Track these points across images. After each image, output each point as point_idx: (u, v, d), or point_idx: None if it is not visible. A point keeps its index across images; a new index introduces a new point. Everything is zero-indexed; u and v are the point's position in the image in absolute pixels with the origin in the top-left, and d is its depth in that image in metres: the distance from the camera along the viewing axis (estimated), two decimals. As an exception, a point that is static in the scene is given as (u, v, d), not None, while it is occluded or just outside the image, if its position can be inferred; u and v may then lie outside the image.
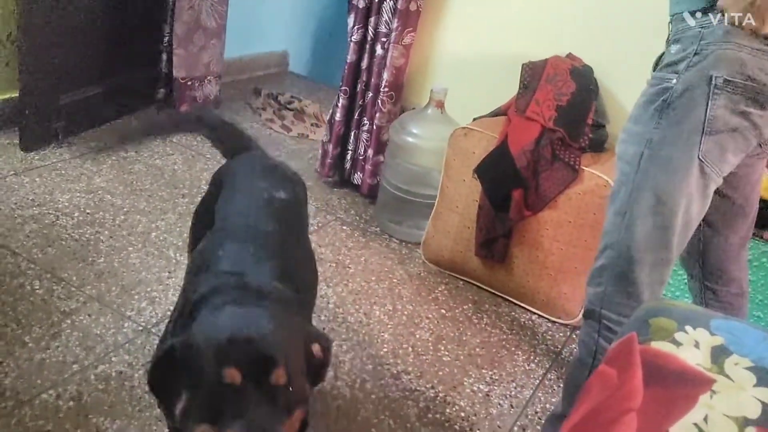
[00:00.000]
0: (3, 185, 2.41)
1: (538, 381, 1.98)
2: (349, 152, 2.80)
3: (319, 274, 2.26)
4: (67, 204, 2.38)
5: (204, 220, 1.47)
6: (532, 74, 2.22)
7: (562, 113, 2.13)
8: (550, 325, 2.25)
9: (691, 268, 1.71)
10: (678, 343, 0.98)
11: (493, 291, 2.33)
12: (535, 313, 2.27)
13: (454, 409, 1.80)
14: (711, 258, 1.65)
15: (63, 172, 2.58)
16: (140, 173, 2.68)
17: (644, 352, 0.96)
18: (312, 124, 3.54)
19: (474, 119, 2.42)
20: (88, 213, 2.36)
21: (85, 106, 2.85)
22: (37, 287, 1.95)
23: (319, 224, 2.59)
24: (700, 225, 1.49)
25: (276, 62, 4.27)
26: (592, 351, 1.45)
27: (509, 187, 2.14)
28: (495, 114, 2.38)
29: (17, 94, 2.60)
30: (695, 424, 0.85)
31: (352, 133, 2.76)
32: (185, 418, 0.97)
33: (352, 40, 2.63)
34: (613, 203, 1.44)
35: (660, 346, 0.97)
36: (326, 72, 3.98)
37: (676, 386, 0.90)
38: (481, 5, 2.60)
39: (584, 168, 2.10)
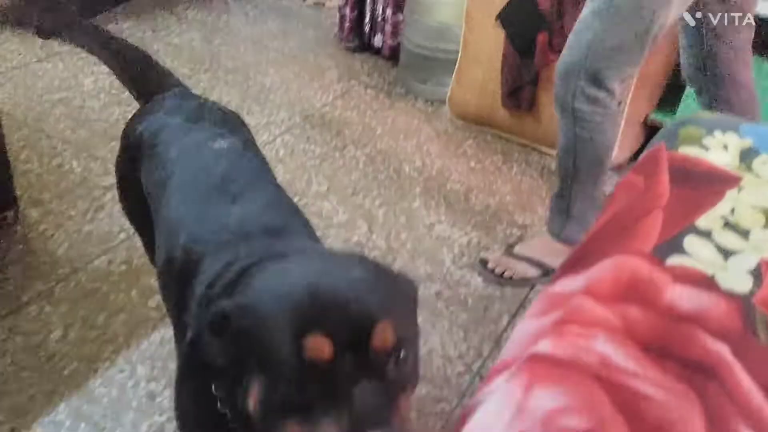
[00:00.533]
0: (29, 72, 2.43)
1: (569, 222, 2.00)
2: (368, 14, 2.73)
3: (345, 136, 2.30)
4: (92, 86, 2.40)
5: (138, 214, 1.16)
6: None
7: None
8: (580, 169, 2.24)
9: (699, 82, 1.68)
10: (706, 147, 0.98)
11: (521, 141, 2.32)
12: (564, 160, 2.27)
13: (488, 252, 1.84)
14: (718, 64, 1.62)
15: (84, 55, 2.56)
16: (159, 52, 2.67)
17: (672, 158, 0.97)
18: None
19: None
20: (113, 94, 2.37)
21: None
22: (75, 166, 2.01)
23: (343, 90, 2.58)
24: (702, 33, 1.50)
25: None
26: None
27: (533, 31, 2.08)
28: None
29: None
30: (722, 216, 0.87)
31: (369, -7, 2.68)
32: (266, 412, 0.67)
33: None
34: (592, 1, 1.45)
35: (688, 151, 0.97)
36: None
37: (704, 185, 0.91)
38: None
39: (611, 4, 2.02)
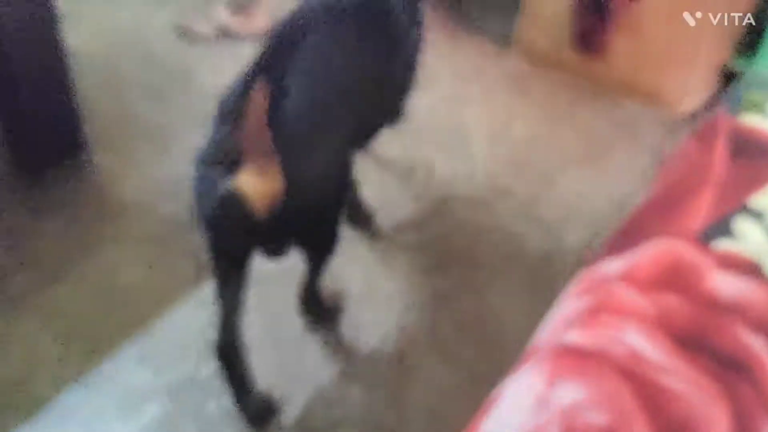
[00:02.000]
0: (101, 12, 2.47)
1: (637, 177, 1.93)
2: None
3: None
4: (162, 25, 2.42)
5: None
6: None
7: None
8: (651, 119, 2.14)
9: None
10: (769, 117, 0.92)
11: (590, 86, 2.22)
12: (635, 107, 2.17)
13: (549, 205, 1.81)
14: None
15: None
16: None
17: (731, 126, 0.91)
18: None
19: None
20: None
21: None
22: (145, 109, 2.06)
23: (409, 29, 2.51)
24: None
25: None
26: None
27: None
28: None
29: None
30: (778, 198, 0.82)
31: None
32: None
33: None
34: None
35: (750, 119, 0.91)
36: None
37: (762, 159, 0.86)
38: None
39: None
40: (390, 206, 1.79)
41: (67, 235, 1.65)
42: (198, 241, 1.62)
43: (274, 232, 1.10)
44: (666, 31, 1.99)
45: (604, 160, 1.98)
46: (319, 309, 1.45)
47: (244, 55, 2.28)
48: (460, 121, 2.10)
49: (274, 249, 1.16)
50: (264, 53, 1.16)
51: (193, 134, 1.94)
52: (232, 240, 1.12)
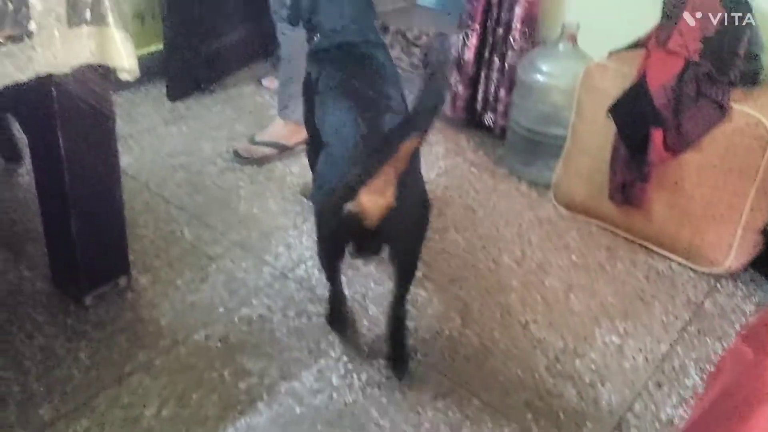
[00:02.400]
0: (156, 135, 2.59)
1: (676, 335, 1.90)
2: (480, 92, 2.73)
3: (447, 218, 2.29)
4: (210, 152, 2.53)
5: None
6: (676, 2, 2.04)
7: (709, 45, 1.95)
8: (691, 274, 2.13)
9: None
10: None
11: (628, 237, 2.23)
12: (674, 262, 2.16)
13: (584, 361, 1.78)
14: None
15: (206, 120, 2.73)
16: (276, 119, 2.77)
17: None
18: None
19: (609, 53, 2.27)
20: (229, 160, 2.49)
21: (225, 53, 2.98)
22: (187, 233, 2.11)
23: (448, 167, 2.58)
24: None
25: (405, -4, 4.19)
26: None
27: (647, 127, 2.01)
28: (633, 47, 2.22)
29: (162, 47, 2.76)
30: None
31: (483, 73, 2.69)
32: None
33: (481, -26, 2.52)
34: None
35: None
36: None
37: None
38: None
39: (734, 105, 1.92)
40: (420, 353, 1.77)
41: (100, 361, 1.65)
42: (223, 378, 1.62)
43: (379, 236, 1.50)
44: (706, 188, 2.01)
45: (642, 315, 1.95)
46: (403, 341, 1.71)
47: (286, 183, 2.38)
48: (495, 263, 2.10)
49: (374, 249, 1.58)
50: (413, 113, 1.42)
51: (231, 262, 2.00)
52: (348, 239, 1.56)
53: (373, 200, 1.41)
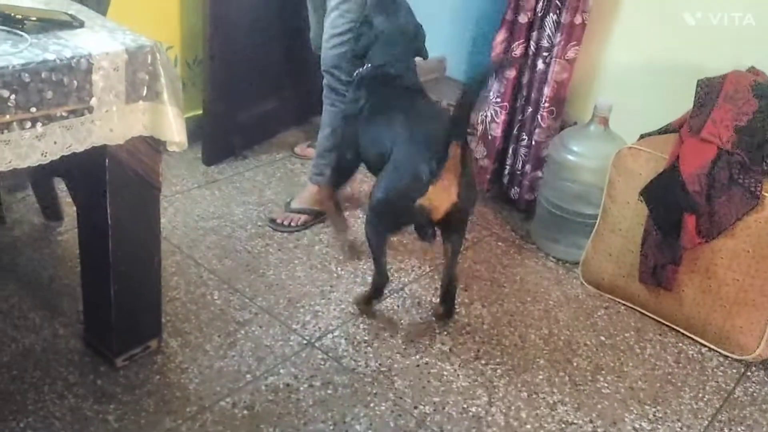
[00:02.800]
0: (189, 197, 2.65)
1: (707, 422, 1.87)
2: (507, 167, 2.78)
3: (473, 292, 2.29)
4: (241, 216, 2.57)
5: None
6: (709, 91, 2.08)
7: (742, 134, 1.98)
8: (721, 360, 2.11)
9: None
10: None
11: (658, 319, 2.22)
12: (705, 346, 2.14)
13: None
14: None
15: (238, 185, 2.79)
16: (306, 186, 2.82)
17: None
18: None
19: (641, 136, 2.31)
20: (259, 225, 2.53)
21: (259, 121, 3.06)
22: (216, 297, 2.13)
23: (475, 239, 2.60)
24: None
25: (434, 68, 4.31)
26: None
27: (680, 212, 2.03)
28: (664, 131, 2.26)
29: (201, 113, 2.84)
30: None
31: (511, 148, 2.74)
32: None
33: (513, 54, 2.60)
34: None
35: None
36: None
37: None
38: (651, 15, 2.47)
39: (766, 194, 1.94)
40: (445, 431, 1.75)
41: (128, 425, 1.65)
42: None
43: (442, 224, 1.91)
44: (738, 274, 2.01)
45: (672, 401, 1.92)
46: (453, 296, 2.14)
47: (314, 251, 2.41)
48: (522, 340, 2.10)
49: (433, 233, 1.99)
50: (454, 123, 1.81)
51: (259, 328, 2.01)
52: (415, 220, 1.97)
53: (442, 198, 1.81)
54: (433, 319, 2.15)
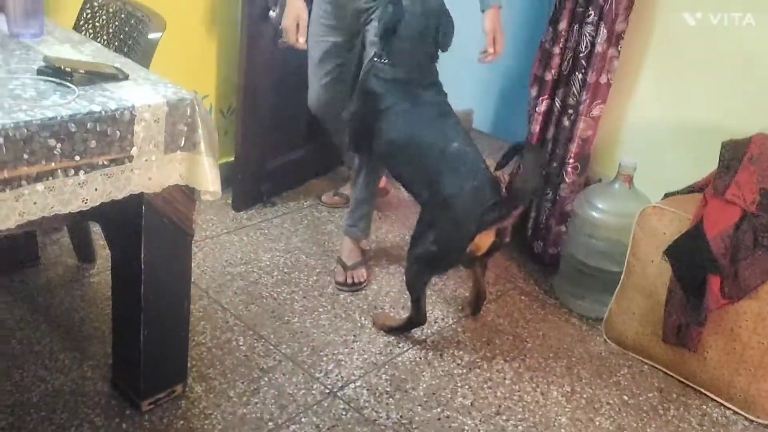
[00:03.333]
0: (218, 243, 2.70)
1: (731, 488, 1.83)
2: (531, 220, 2.80)
3: (495, 346, 2.30)
4: (268, 263, 2.61)
5: None
6: (734, 153, 2.10)
7: (766, 197, 1.99)
8: (746, 424, 2.07)
9: None
10: None
11: (682, 380, 2.20)
12: (729, 409, 2.11)
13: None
14: None
15: (266, 231, 2.84)
16: (332, 234, 2.87)
17: None
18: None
19: (665, 195, 2.33)
20: (285, 272, 2.57)
21: (288, 169, 3.13)
22: (241, 343, 2.16)
23: (498, 293, 2.61)
24: None
25: (461, 120, 4.36)
26: None
27: (704, 272, 2.03)
28: (689, 191, 2.28)
29: (232, 159, 2.92)
30: None
31: (535, 202, 2.77)
32: None
33: (537, 111, 2.65)
34: None
35: None
36: (509, 127, 4.01)
37: None
38: (677, 75, 2.51)
39: (792, 257, 1.94)
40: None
41: (149, 470, 1.67)
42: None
43: (480, 258, 2.19)
44: (763, 337, 1.99)
45: (696, 465, 1.89)
46: (481, 304, 2.44)
47: (338, 301, 2.43)
48: (543, 396, 2.09)
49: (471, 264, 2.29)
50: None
51: (282, 375, 2.03)
52: (461, 261, 2.21)
53: (486, 240, 2.07)
54: (456, 372, 2.16)
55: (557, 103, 2.62)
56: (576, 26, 2.50)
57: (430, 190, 2.09)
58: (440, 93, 2.27)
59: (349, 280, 2.54)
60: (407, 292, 2.24)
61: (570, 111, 2.58)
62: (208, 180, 1.55)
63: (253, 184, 2.96)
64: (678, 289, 2.09)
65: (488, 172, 2.09)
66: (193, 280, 2.40)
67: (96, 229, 2.35)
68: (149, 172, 1.48)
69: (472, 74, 4.18)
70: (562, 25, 2.52)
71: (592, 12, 2.43)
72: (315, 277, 2.57)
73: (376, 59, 2.23)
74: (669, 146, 2.57)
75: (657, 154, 2.57)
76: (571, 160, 2.60)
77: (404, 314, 2.33)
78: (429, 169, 2.10)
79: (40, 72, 1.47)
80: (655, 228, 2.17)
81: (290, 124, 3.06)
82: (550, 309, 2.55)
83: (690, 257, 2.05)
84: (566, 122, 2.60)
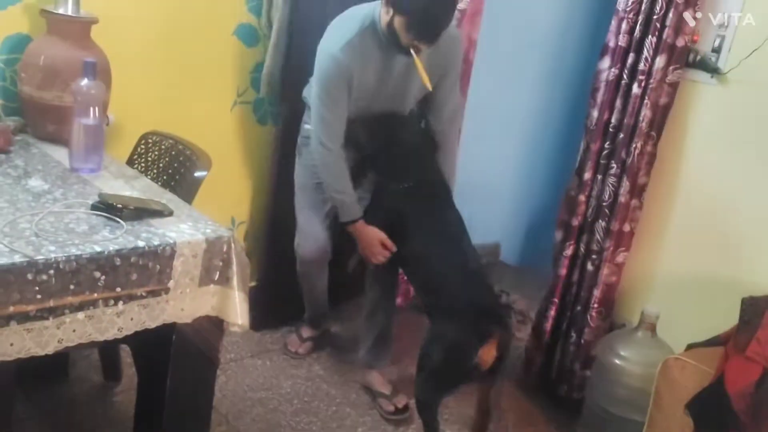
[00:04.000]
0: (241, 366, 2.74)
1: None
2: (555, 363, 2.79)
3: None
4: (289, 390, 2.63)
5: None
6: (754, 311, 2.11)
7: (789, 356, 1.98)
8: None
9: None
10: None
11: None
12: None
13: None
14: None
15: (289, 356, 2.87)
16: (354, 364, 2.88)
17: None
18: (518, 321, 3.59)
19: (688, 346, 2.32)
20: (305, 401, 2.58)
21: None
22: (257, 476, 2.15)
23: (519, 436, 2.57)
24: None
25: (488, 253, 4.45)
26: None
27: (726, 428, 1.99)
28: (712, 343, 2.27)
29: (255, 284, 2.98)
30: None
31: (559, 345, 2.77)
32: None
33: (563, 254, 2.71)
34: None
35: None
36: (536, 258, 4.05)
37: None
38: (703, 227, 2.57)
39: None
40: None
41: None
42: None
43: (488, 373, 2.23)
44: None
45: None
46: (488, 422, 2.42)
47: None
48: None
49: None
50: None
51: None
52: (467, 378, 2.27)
53: (490, 355, 2.16)
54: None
55: (582, 248, 2.68)
56: (600, 177, 2.60)
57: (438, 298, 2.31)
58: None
59: (399, 406, 2.56)
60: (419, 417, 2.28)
61: (594, 256, 2.64)
62: (238, 313, 1.63)
63: (277, 306, 3.01)
64: (701, 445, 2.05)
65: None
66: (213, 404, 2.44)
67: (124, 348, 2.42)
68: (183, 303, 1.56)
69: (499, 208, 4.30)
70: (587, 175, 2.63)
71: (615, 165, 2.54)
72: (334, 408, 2.57)
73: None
74: (693, 296, 2.59)
75: (681, 303, 2.58)
76: (596, 305, 2.63)
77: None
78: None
79: (94, 207, 1.60)
80: (676, 380, 2.16)
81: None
82: (570, 456, 2.49)
83: (712, 413, 2.02)
84: (590, 267, 2.65)
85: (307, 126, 2.49)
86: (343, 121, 2.31)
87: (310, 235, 2.58)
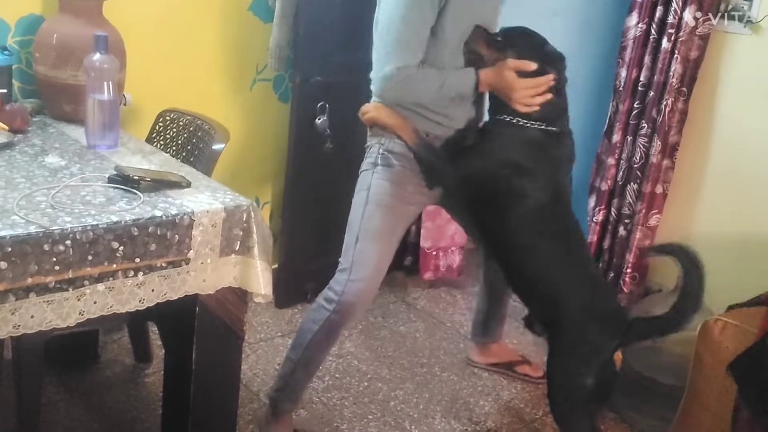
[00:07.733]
0: (271, 345, 2.72)
1: None
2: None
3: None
4: (320, 367, 2.60)
5: None
6: (797, 266, 2.03)
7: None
8: None
9: None
10: None
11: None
12: None
13: None
14: None
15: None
16: (385, 339, 2.86)
17: None
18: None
19: (729, 307, 2.24)
20: (336, 377, 2.55)
21: (330, 270, 3.14)
22: (290, 449, 2.13)
23: (555, 406, 2.51)
24: None
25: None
26: None
27: (772, 391, 1.92)
28: (753, 303, 2.19)
29: (276, 265, 2.96)
30: None
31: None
32: None
33: (594, 220, 2.64)
34: None
35: None
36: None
37: None
38: (739, 184, 2.48)
39: None
40: None
41: None
42: None
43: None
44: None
45: None
46: None
47: (389, 407, 2.38)
48: None
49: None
50: None
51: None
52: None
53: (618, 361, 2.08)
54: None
55: (613, 213, 2.61)
56: (630, 138, 2.52)
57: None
58: None
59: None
60: None
61: (627, 221, 2.57)
62: (260, 283, 1.60)
63: (298, 284, 2.97)
64: (745, 408, 1.97)
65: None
66: (245, 382, 2.43)
67: (154, 330, 2.42)
68: (204, 274, 1.53)
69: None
70: (617, 137, 2.55)
71: (645, 125, 2.46)
72: (366, 383, 2.54)
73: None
74: (733, 256, 2.50)
75: (718, 264, 2.47)
76: (629, 270, 2.56)
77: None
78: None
79: (110, 180, 1.58)
80: (717, 342, 2.08)
81: (334, 228, 3.09)
82: (609, 423, 2.43)
83: (756, 373, 1.95)
84: (623, 231, 2.58)
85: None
86: (425, 42, 1.81)
87: (375, 268, 2.02)
